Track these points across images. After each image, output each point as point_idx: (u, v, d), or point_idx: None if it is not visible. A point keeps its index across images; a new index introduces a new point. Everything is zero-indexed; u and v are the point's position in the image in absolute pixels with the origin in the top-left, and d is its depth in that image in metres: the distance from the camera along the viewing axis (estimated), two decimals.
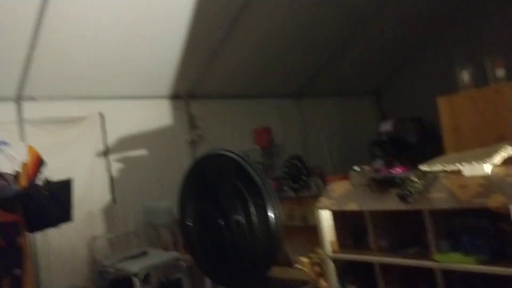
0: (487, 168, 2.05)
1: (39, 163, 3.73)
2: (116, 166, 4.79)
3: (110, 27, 4.04)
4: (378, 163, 5.21)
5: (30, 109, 4.22)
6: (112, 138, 4.76)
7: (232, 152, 2.31)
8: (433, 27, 6.32)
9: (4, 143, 3.64)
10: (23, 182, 3.63)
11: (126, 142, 4.87)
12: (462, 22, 6.05)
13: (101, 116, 4.69)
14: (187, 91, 5.36)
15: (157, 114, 5.21)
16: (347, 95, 6.95)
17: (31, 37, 3.71)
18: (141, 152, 5.02)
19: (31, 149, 3.74)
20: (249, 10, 4.48)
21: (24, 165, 3.66)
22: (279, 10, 4.71)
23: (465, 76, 3.14)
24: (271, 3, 4.56)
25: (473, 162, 2.07)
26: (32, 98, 4.24)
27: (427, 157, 2.45)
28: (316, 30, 5.27)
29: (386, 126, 6.32)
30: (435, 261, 2.14)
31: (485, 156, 2.09)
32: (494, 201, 1.93)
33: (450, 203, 2.07)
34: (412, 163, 2.58)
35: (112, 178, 4.72)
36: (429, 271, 2.25)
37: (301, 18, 4.96)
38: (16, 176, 3.55)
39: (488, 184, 2.00)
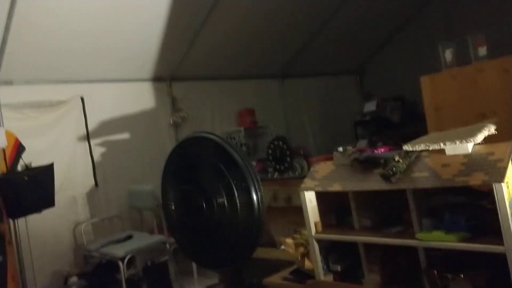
0: (469, 146, 2.06)
1: (18, 148, 3.67)
2: (98, 150, 4.74)
3: (89, 9, 3.94)
4: (362, 143, 5.24)
5: (7, 94, 4.12)
6: (94, 121, 4.70)
7: (214, 134, 2.28)
8: (414, 5, 6.31)
9: None
10: (2, 168, 3.57)
11: (108, 126, 4.81)
12: (443, 0, 6.04)
13: (82, 99, 4.62)
14: (169, 73, 5.29)
15: (139, 97, 5.15)
16: (329, 75, 6.95)
17: (5, 19, 3.59)
18: (123, 135, 4.97)
19: (9, 134, 3.68)
20: None
21: (3, 150, 3.60)
22: None
23: (447, 54, 3.15)
24: None
25: (455, 141, 2.07)
26: (8, 82, 4.14)
27: (410, 136, 2.46)
28: (296, 10, 5.22)
29: (370, 106, 6.35)
30: (418, 239, 2.16)
31: (467, 135, 2.10)
32: (476, 179, 1.94)
33: (432, 182, 2.08)
34: (395, 142, 2.59)
35: (94, 162, 4.67)
36: (412, 249, 2.27)
37: None
38: None
39: (470, 162, 2.01)
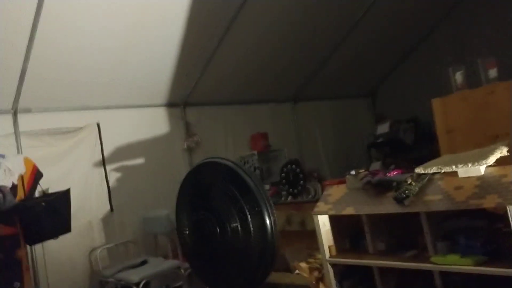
0: (481, 169, 2.06)
1: (36, 175, 3.73)
2: (113, 175, 4.79)
3: (105, 38, 4.05)
4: (376, 165, 5.23)
5: (26, 121, 4.22)
6: (109, 147, 4.76)
7: (227, 160, 2.32)
8: (424, 28, 6.35)
9: (1, 155, 3.65)
10: (20, 194, 3.63)
11: (123, 151, 4.87)
12: (453, 23, 6.08)
13: (98, 126, 4.69)
14: (183, 99, 5.37)
15: (153, 122, 5.21)
16: (342, 98, 6.97)
17: (25, 49, 3.71)
18: (138, 160, 5.02)
19: (27, 161, 3.74)
20: (242, 16, 4.50)
21: (21, 177, 3.67)
22: (271, 15, 4.73)
23: (458, 77, 3.16)
24: (263, 9, 4.58)
25: (468, 164, 2.08)
26: (27, 110, 4.24)
27: (424, 157, 2.46)
28: (308, 35, 5.29)
29: (383, 128, 6.34)
30: (433, 263, 2.15)
31: (480, 157, 2.10)
32: (490, 202, 1.93)
33: (446, 205, 2.08)
34: (409, 163, 2.59)
35: (110, 187, 4.71)
36: (428, 272, 2.25)
37: (293, 23, 4.99)
38: (13, 189, 3.55)
39: (483, 185, 2.01)
